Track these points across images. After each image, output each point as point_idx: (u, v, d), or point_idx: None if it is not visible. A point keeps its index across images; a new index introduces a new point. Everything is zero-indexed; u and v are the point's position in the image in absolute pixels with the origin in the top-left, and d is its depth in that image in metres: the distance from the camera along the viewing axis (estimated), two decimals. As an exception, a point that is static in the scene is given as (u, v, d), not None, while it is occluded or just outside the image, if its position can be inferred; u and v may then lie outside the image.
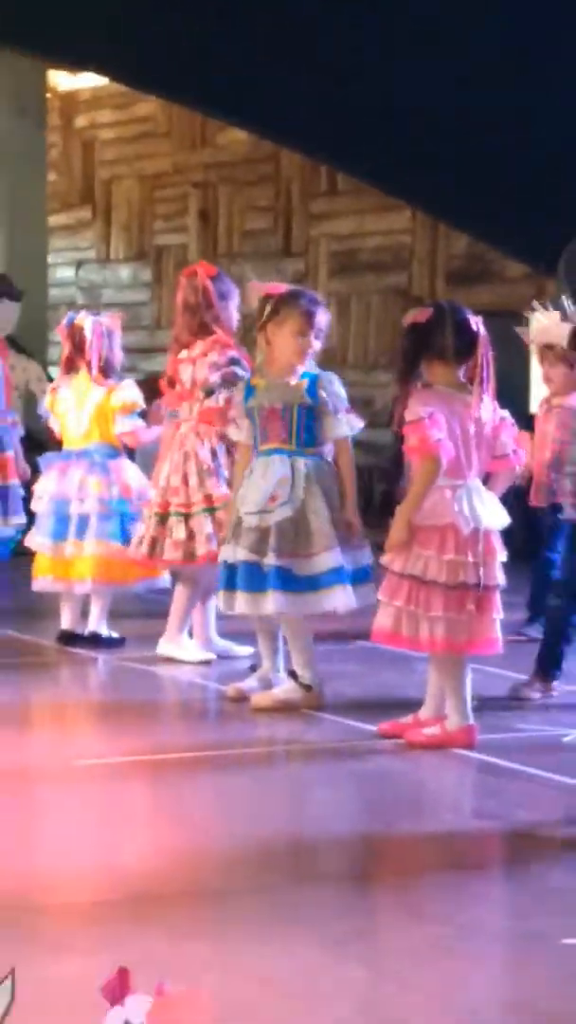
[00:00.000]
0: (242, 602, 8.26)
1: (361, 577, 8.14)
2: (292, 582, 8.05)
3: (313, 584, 8.05)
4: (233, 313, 9.22)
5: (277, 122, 16.73)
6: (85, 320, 9.76)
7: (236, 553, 8.20)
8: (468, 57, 14.15)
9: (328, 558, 8.05)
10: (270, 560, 8.04)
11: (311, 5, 13.99)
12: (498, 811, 6.70)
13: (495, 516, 7.43)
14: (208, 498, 9.04)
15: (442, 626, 7.27)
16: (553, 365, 9.18)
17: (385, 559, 7.37)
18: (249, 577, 8.16)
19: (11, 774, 7.17)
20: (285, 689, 8.18)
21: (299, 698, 8.13)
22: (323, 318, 8.38)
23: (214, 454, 9.15)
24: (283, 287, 8.65)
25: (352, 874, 6.19)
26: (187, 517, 9.06)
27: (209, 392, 9.09)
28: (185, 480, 9.09)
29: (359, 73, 14.60)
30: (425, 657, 7.71)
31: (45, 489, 9.65)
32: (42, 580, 9.72)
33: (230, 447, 9.02)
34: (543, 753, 7.26)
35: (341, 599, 8.06)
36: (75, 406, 9.60)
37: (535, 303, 9.09)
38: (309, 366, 8.27)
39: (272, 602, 8.09)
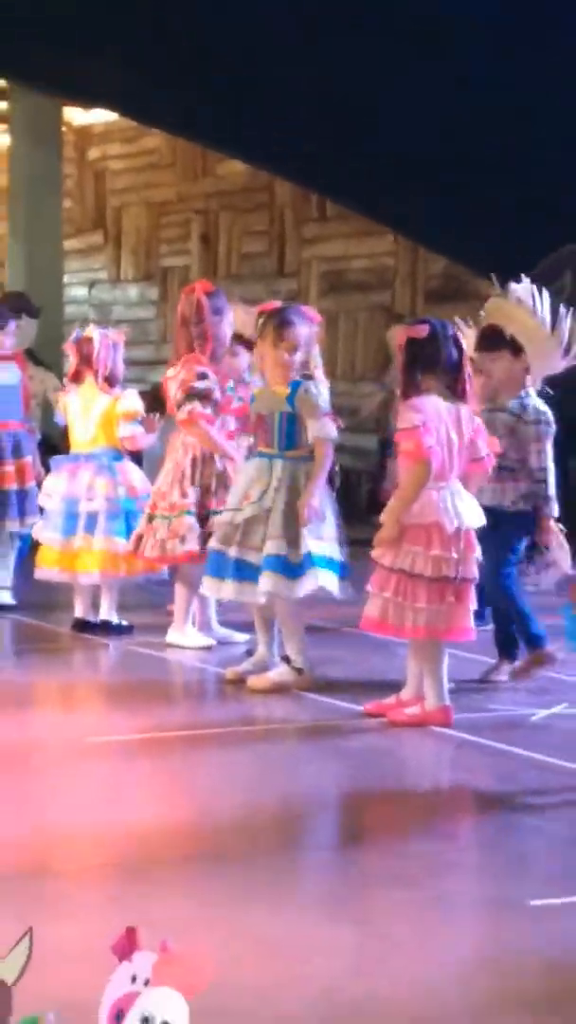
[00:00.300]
0: (207, 586, 8.43)
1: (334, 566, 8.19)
2: (249, 571, 8.10)
3: (290, 570, 8.09)
4: (226, 328, 9.19)
5: (272, 154, 16.73)
6: (94, 333, 9.77)
7: (212, 543, 8.33)
8: (445, 101, 14.18)
9: (272, 546, 8.08)
10: (233, 552, 8.11)
11: (303, 50, 13.98)
12: (472, 784, 6.74)
13: (473, 515, 7.45)
14: (173, 506, 9.09)
15: (424, 616, 7.28)
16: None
17: (376, 553, 7.38)
18: (216, 565, 8.27)
19: (28, 750, 7.20)
20: (279, 672, 8.20)
21: (292, 680, 8.14)
22: (303, 331, 8.35)
23: (195, 463, 9.17)
24: (273, 304, 8.68)
25: (339, 842, 6.23)
26: (169, 519, 9.08)
27: (179, 406, 9.13)
28: (170, 485, 9.13)
29: (347, 111, 14.61)
30: (406, 643, 7.73)
31: (55, 488, 9.64)
32: (47, 571, 9.72)
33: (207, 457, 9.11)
34: (513, 730, 7.26)
35: (309, 585, 8.08)
36: (82, 413, 9.60)
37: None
38: (298, 376, 8.29)
39: (231, 589, 8.22)
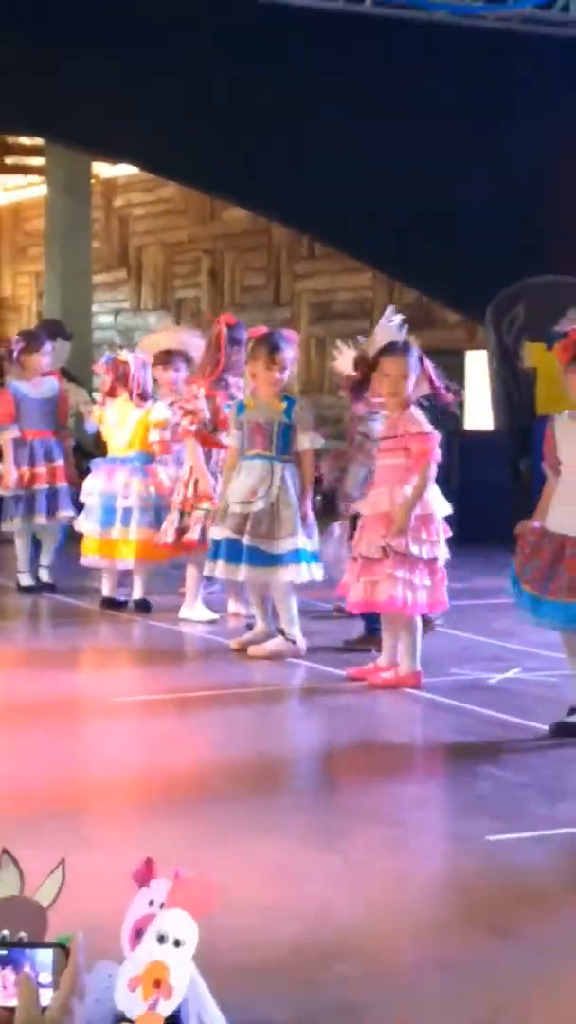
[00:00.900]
0: (221, 569, 8.38)
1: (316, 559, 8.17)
2: (259, 558, 8.09)
3: (276, 560, 8.09)
4: (242, 356, 8.99)
5: (269, 203, 16.71)
6: (128, 356, 9.76)
7: (222, 532, 8.27)
8: (416, 163, 14.18)
9: (290, 542, 8.07)
10: (246, 540, 8.09)
11: (296, 115, 13.97)
12: (438, 737, 6.75)
13: (445, 506, 7.49)
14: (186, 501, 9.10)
15: (413, 591, 7.28)
16: None
17: (393, 542, 7.35)
18: (228, 551, 8.23)
19: (64, 707, 7.20)
20: (275, 643, 8.17)
21: (286, 650, 8.13)
22: (288, 354, 8.31)
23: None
24: (262, 330, 8.61)
25: (326, 784, 6.24)
26: (182, 514, 9.07)
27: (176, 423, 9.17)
28: (185, 485, 9.12)
29: (334, 170, 14.61)
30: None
31: (95, 487, 9.61)
32: (91, 558, 9.69)
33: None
34: (473, 692, 7.25)
35: (295, 574, 8.10)
36: (118, 423, 9.56)
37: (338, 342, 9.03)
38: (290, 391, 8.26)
39: (243, 572, 8.19)
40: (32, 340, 10.52)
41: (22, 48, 13.16)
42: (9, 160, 23.72)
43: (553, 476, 6.48)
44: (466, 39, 13.22)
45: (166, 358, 9.88)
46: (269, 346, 8.25)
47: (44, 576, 10.36)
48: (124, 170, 21.68)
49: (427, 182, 14.46)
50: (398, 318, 8.31)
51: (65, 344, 13.97)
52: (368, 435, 8.42)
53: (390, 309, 8.57)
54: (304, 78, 13.66)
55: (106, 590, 9.70)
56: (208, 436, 9.04)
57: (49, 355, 10.42)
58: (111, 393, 9.65)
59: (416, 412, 7.50)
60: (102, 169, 21.79)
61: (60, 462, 10.24)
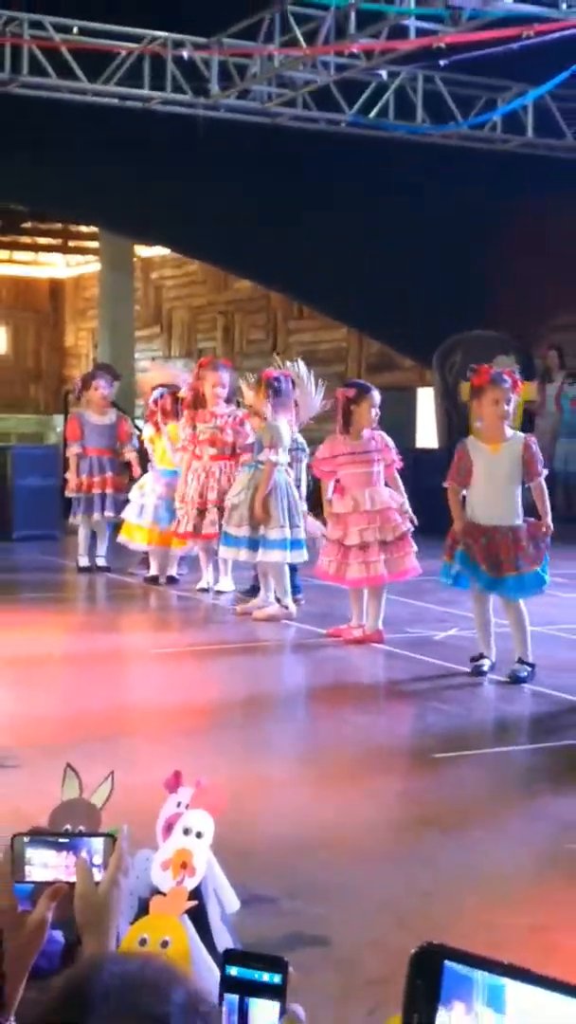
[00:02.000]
0: (223, 551, 8.45)
1: (273, 546, 8.08)
2: (252, 544, 8.08)
3: (268, 545, 8.09)
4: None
5: (268, 277, 16.76)
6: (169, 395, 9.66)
7: (224, 525, 8.28)
8: (379, 246, 14.20)
9: (276, 532, 8.05)
10: (234, 530, 8.12)
11: (289, 211, 13.99)
12: (396, 679, 6.73)
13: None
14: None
15: (378, 569, 7.28)
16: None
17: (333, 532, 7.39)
18: (224, 537, 8.27)
19: (111, 656, 7.21)
20: (272, 608, 8.18)
21: (280, 613, 8.11)
22: (285, 389, 8.23)
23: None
24: (271, 373, 8.44)
25: (309, 715, 6.22)
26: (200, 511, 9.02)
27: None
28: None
29: (317, 251, 14.64)
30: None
31: (154, 490, 9.57)
32: (138, 544, 9.59)
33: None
34: (424, 646, 7.23)
35: (280, 557, 8.07)
36: (171, 446, 9.47)
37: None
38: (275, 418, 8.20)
39: (245, 555, 8.19)
40: (87, 381, 10.47)
41: (82, 161, 13.17)
42: (72, 244, 23.77)
43: (459, 486, 6.48)
44: (418, 152, 13.22)
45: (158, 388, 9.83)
46: (269, 385, 8.23)
47: (100, 561, 10.26)
48: (158, 251, 21.76)
49: (388, 261, 14.51)
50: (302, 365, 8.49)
51: (115, 383, 13.97)
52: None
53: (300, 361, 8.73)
54: (295, 182, 13.66)
55: (153, 569, 9.63)
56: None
57: (105, 390, 10.34)
58: (165, 422, 9.56)
59: (384, 434, 7.50)
60: (141, 250, 21.82)
61: (111, 474, 10.19)
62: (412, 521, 7.35)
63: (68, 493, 10.33)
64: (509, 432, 6.44)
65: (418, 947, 1.16)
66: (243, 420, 8.86)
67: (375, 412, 7.41)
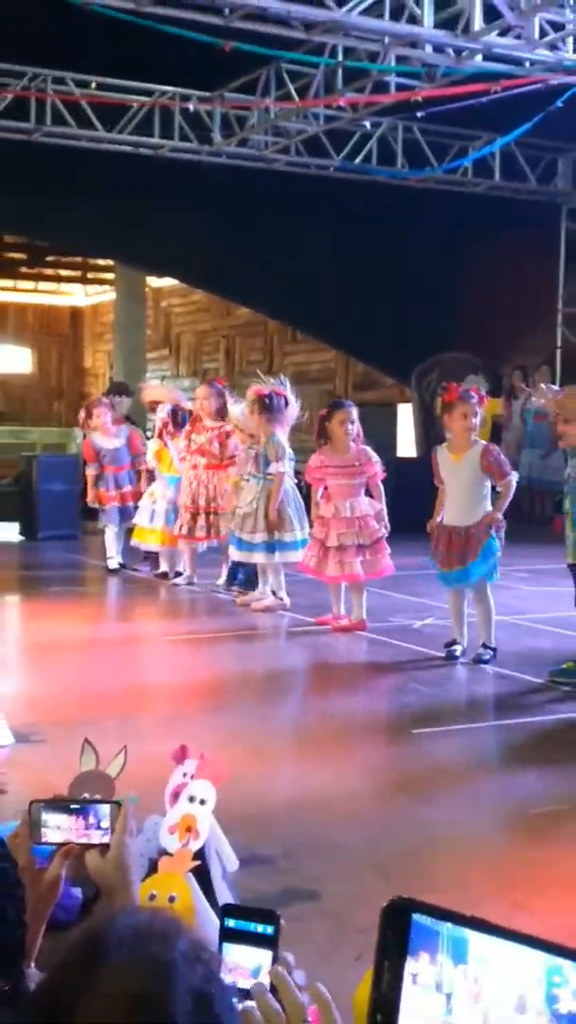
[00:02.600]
0: (232, 553, 8.39)
1: (289, 547, 8.02)
2: (268, 548, 8.06)
3: (284, 547, 8.08)
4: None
5: (266, 305, 16.74)
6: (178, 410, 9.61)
7: (236, 532, 8.24)
8: (364, 278, 14.20)
9: (290, 535, 8.01)
10: (248, 536, 8.08)
11: (285, 246, 13.96)
12: (379, 663, 6.71)
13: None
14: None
15: (361, 567, 7.31)
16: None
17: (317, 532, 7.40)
18: (237, 542, 8.21)
19: (126, 642, 7.19)
20: (269, 600, 8.17)
21: (276, 605, 8.09)
22: (276, 404, 8.12)
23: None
24: (262, 390, 8.28)
25: (300, 695, 6.20)
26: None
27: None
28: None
29: (309, 282, 14.63)
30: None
31: (163, 496, 9.49)
32: (153, 545, 9.55)
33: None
34: (402, 633, 7.22)
35: (296, 556, 7.98)
36: (178, 456, 9.43)
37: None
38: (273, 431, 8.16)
39: (260, 558, 8.14)
40: (89, 410, 10.21)
41: (100, 202, 13.16)
42: (90, 275, 23.77)
43: (441, 487, 6.52)
44: (398, 194, 13.22)
45: (154, 405, 9.79)
46: (263, 402, 8.18)
47: (114, 562, 10.15)
48: (167, 282, 21.71)
49: (372, 291, 14.51)
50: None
51: (128, 399, 13.93)
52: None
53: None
54: (289, 220, 13.64)
55: (163, 567, 9.58)
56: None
57: (106, 416, 10.21)
58: (173, 435, 9.45)
59: (368, 448, 7.51)
60: (152, 281, 21.81)
61: (129, 488, 10.13)
62: (386, 527, 7.39)
63: (90, 503, 10.34)
64: (473, 442, 6.46)
65: (389, 901, 1.15)
66: (229, 434, 8.88)
67: (350, 427, 7.38)
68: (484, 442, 6.55)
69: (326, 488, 7.45)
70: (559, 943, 1.08)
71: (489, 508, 6.41)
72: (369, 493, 7.43)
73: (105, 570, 9.98)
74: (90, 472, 10.14)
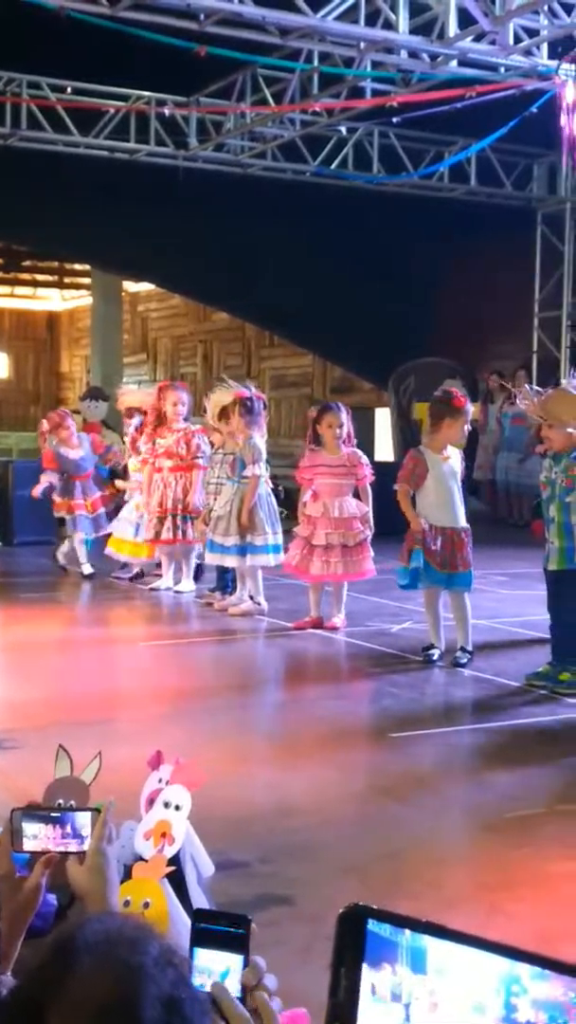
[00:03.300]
0: (209, 558, 8.39)
1: (260, 551, 8.04)
2: (240, 550, 8.08)
3: (255, 550, 8.08)
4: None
5: (243, 309, 16.76)
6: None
7: (210, 534, 8.25)
8: (341, 283, 14.21)
9: (261, 539, 8.03)
10: (221, 538, 8.10)
11: (262, 251, 13.98)
12: (358, 667, 6.72)
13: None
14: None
15: (343, 567, 7.39)
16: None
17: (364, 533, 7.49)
18: (210, 545, 8.24)
19: (103, 646, 7.17)
20: (247, 604, 8.16)
21: (254, 609, 8.11)
22: (256, 408, 8.16)
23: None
24: (243, 393, 8.36)
25: (279, 699, 6.20)
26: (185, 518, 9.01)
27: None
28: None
29: (287, 286, 14.64)
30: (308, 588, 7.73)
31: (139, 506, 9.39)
32: (135, 558, 9.52)
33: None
34: (380, 636, 7.24)
35: (266, 560, 8.07)
36: (139, 459, 9.39)
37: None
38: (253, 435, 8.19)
39: (231, 561, 8.16)
40: (55, 421, 10.08)
41: (76, 206, 13.14)
42: (67, 280, 23.73)
43: (411, 488, 6.49)
44: (374, 198, 13.26)
45: (131, 411, 9.72)
46: (242, 404, 8.21)
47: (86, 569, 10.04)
48: (145, 286, 21.69)
49: (349, 296, 14.55)
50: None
51: (104, 404, 13.92)
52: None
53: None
54: (265, 225, 13.65)
55: (136, 571, 9.59)
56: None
57: (71, 428, 10.16)
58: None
59: (359, 451, 7.57)
60: (130, 285, 21.78)
61: (98, 495, 10.09)
62: (371, 528, 7.45)
63: (57, 513, 10.29)
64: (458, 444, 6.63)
65: (344, 908, 1.15)
66: (195, 434, 8.88)
67: (339, 430, 7.43)
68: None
69: (314, 488, 7.53)
70: (517, 947, 1.09)
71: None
72: (357, 495, 7.50)
73: (80, 576, 9.95)
74: (46, 479, 9.98)
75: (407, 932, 1.12)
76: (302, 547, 7.46)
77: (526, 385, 5.96)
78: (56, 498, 10.14)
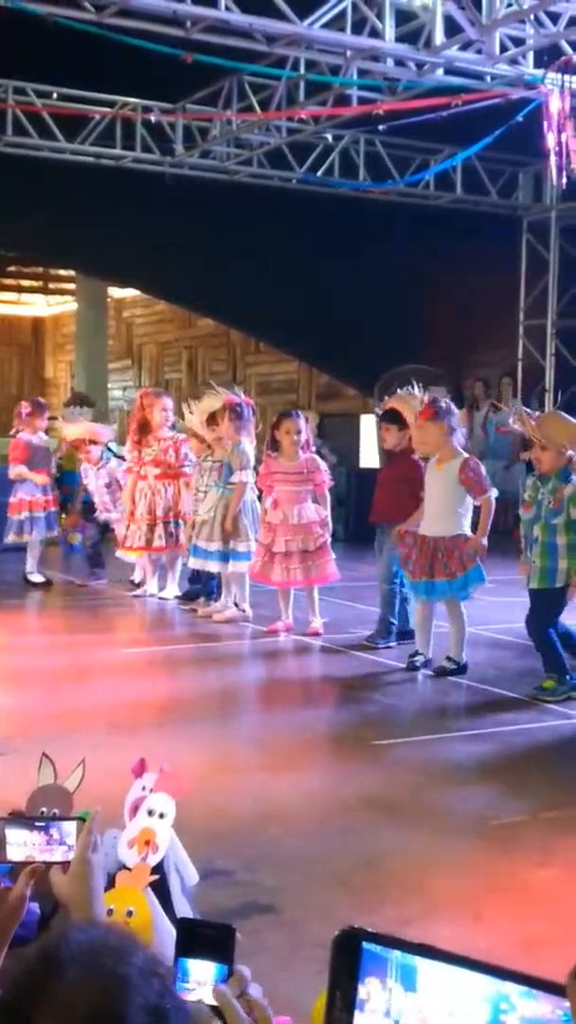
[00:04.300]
0: (192, 562, 8.42)
1: (243, 557, 8.06)
2: (223, 556, 8.09)
3: (237, 557, 8.09)
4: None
5: (229, 316, 16.75)
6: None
7: (194, 539, 8.25)
8: (327, 289, 14.22)
9: (244, 546, 8.06)
10: (204, 543, 8.12)
11: (248, 257, 13.99)
12: (340, 674, 6.71)
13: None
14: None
15: (303, 571, 7.49)
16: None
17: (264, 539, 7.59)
18: (194, 549, 8.27)
19: (86, 653, 7.13)
20: (231, 611, 8.17)
21: (238, 616, 8.12)
22: (246, 414, 8.22)
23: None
24: (233, 399, 8.40)
25: (263, 707, 6.19)
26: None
27: None
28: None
29: (273, 293, 14.66)
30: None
31: None
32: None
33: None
34: (357, 644, 7.28)
35: (217, 566, 8.14)
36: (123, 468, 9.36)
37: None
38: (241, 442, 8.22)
39: (214, 566, 8.19)
40: (34, 408, 10.08)
41: (61, 212, 13.13)
42: (52, 285, 23.69)
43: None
44: (360, 206, 13.28)
45: (78, 444, 9.75)
46: (231, 410, 8.22)
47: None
48: (130, 292, 21.66)
49: (334, 302, 14.55)
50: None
51: (89, 410, 13.91)
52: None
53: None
54: (251, 232, 13.66)
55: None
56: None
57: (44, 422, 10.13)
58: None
59: (317, 456, 7.66)
60: (115, 291, 21.75)
61: (52, 494, 9.95)
62: (330, 532, 7.61)
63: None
64: (456, 453, 6.55)
65: (339, 931, 1.16)
66: (183, 443, 8.91)
67: (296, 437, 7.53)
68: (465, 456, 6.60)
69: (274, 496, 7.61)
70: (506, 967, 1.10)
71: (465, 525, 6.46)
72: (316, 500, 7.60)
73: (30, 584, 9.68)
74: (18, 472, 9.77)
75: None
76: (263, 554, 7.59)
77: (522, 409, 6.00)
78: (20, 497, 9.79)
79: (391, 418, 7.29)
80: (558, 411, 6.10)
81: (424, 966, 1.11)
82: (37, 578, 9.79)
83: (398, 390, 7.46)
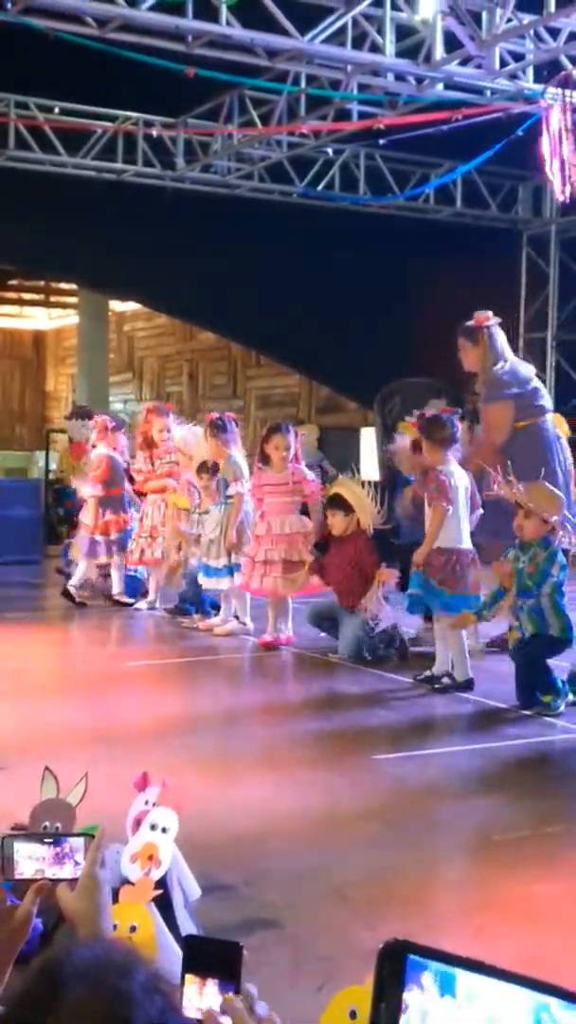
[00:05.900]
0: (205, 583, 8.41)
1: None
2: (230, 571, 8.10)
3: (228, 571, 8.11)
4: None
5: (229, 329, 16.77)
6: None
7: (204, 559, 8.26)
8: (327, 303, 14.25)
9: (228, 558, 8.11)
10: (214, 562, 8.14)
11: (248, 271, 14.02)
12: (343, 689, 6.71)
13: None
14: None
15: (282, 580, 7.55)
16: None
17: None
18: (205, 570, 8.28)
19: (88, 667, 7.15)
20: (231, 624, 8.18)
21: (238, 629, 8.13)
22: (228, 426, 8.25)
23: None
24: (210, 415, 8.50)
25: (265, 720, 6.16)
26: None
27: None
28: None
29: (273, 306, 14.68)
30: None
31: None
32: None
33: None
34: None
35: (228, 583, 8.14)
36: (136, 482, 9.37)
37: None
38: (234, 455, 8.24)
39: (226, 583, 8.18)
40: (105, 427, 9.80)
41: (63, 226, 13.17)
42: (53, 299, 23.73)
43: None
44: (361, 220, 13.33)
45: None
46: (217, 424, 8.27)
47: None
48: (131, 306, 21.68)
49: (335, 316, 14.57)
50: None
51: (91, 423, 13.89)
52: None
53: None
54: (252, 246, 13.69)
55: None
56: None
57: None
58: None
59: (304, 467, 7.79)
60: (116, 305, 21.77)
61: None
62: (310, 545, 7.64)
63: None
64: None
65: (385, 942, 1.17)
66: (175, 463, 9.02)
67: (286, 452, 7.58)
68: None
69: (263, 508, 7.68)
70: (549, 982, 1.10)
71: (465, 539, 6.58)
72: (306, 512, 7.64)
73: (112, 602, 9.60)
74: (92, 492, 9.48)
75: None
76: (251, 566, 7.63)
77: (512, 479, 6.04)
78: (92, 518, 9.44)
79: (337, 504, 7.31)
80: (543, 482, 6.16)
81: (463, 974, 1.12)
82: (126, 599, 9.52)
83: (397, 403, 7.52)
